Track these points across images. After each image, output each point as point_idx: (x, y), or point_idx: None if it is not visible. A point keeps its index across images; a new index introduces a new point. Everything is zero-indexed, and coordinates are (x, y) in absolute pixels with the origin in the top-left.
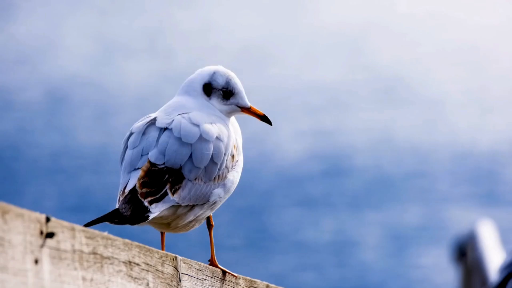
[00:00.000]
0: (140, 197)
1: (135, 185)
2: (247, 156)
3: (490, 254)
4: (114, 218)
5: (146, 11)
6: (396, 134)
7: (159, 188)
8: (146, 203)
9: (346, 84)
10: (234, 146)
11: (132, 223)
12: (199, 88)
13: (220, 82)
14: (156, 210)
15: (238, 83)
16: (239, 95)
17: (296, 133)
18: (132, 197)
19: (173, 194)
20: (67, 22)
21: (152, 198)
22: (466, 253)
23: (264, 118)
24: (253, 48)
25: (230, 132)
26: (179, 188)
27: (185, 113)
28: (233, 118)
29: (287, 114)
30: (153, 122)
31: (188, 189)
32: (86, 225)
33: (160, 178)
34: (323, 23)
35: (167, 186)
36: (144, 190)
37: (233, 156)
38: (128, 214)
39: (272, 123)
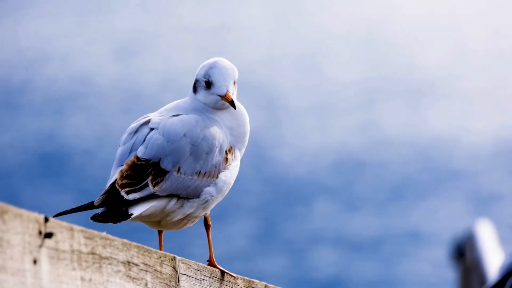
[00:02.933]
0: (118, 187)
1: (117, 178)
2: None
3: (489, 254)
4: (86, 208)
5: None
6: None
7: (140, 181)
8: (123, 193)
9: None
10: (228, 150)
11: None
12: (192, 87)
13: (201, 73)
14: (131, 197)
15: (218, 71)
16: (215, 84)
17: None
18: (110, 189)
19: (154, 186)
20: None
21: (130, 188)
22: (464, 253)
23: (231, 103)
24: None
25: (220, 135)
26: (161, 181)
27: (177, 114)
28: (243, 120)
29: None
30: (147, 122)
31: (171, 182)
32: (57, 215)
33: (143, 172)
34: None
35: (149, 179)
36: (124, 181)
37: (226, 159)
38: (99, 202)
39: (236, 108)
